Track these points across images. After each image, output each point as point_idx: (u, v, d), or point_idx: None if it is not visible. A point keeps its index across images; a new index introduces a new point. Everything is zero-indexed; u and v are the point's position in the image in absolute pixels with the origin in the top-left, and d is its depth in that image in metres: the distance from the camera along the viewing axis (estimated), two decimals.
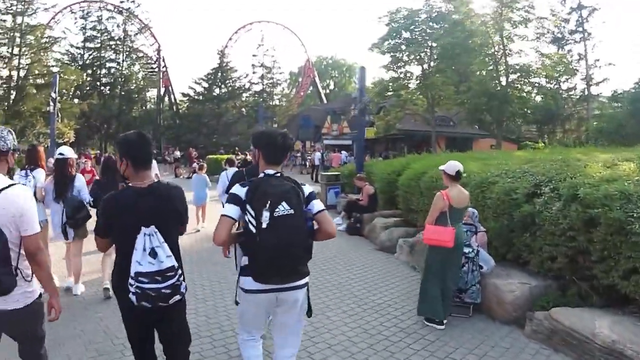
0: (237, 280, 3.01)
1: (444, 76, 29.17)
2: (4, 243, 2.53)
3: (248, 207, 2.75)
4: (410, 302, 5.96)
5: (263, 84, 55.83)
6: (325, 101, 62.11)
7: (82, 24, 47.56)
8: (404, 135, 35.15)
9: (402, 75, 31.64)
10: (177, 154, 35.25)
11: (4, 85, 31.16)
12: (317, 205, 2.96)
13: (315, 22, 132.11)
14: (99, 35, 48.06)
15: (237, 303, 3.09)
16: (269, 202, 2.67)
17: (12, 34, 31.47)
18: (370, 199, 11.26)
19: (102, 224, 2.86)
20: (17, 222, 2.60)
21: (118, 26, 48.91)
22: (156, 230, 2.71)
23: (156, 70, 51.86)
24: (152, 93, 54.04)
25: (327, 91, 78.00)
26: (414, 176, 9.29)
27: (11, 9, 31.64)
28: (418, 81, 30.29)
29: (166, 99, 54.05)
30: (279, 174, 2.91)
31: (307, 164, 35.27)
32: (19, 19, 31.70)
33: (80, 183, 5.87)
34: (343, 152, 30.95)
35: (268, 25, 58.35)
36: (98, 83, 47.86)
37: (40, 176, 5.83)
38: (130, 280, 2.67)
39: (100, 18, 48.13)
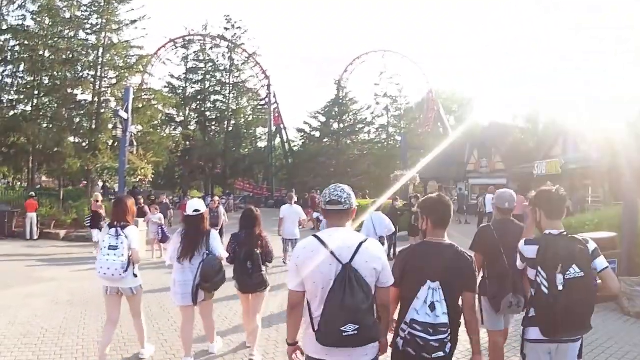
0: (523, 332, 3.06)
1: None
2: (371, 294, 2.60)
3: (539, 268, 2.87)
4: None
5: (388, 116, 47.52)
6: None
7: (184, 54, 42.12)
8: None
9: None
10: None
11: (81, 114, 24.90)
12: (600, 262, 2.93)
13: (433, 52, 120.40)
14: (202, 65, 42.49)
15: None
16: (561, 265, 2.78)
17: (95, 53, 25.46)
18: None
19: (398, 273, 2.91)
20: (377, 274, 2.68)
21: (223, 55, 43.10)
22: (440, 286, 2.74)
23: (265, 107, 44.99)
24: (261, 130, 47.21)
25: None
26: None
27: (96, 27, 25.74)
28: None
29: (277, 137, 47.09)
30: (564, 233, 2.99)
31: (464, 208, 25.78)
32: (101, 37, 25.69)
33: (215, 239, 5.06)
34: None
35: (385, 55, 49.95)
36: (202, 118, 41.99)
37: (134, 236, 5.02)
38: (403, 326, 2.76)
39: (203, 47, 42.60)
